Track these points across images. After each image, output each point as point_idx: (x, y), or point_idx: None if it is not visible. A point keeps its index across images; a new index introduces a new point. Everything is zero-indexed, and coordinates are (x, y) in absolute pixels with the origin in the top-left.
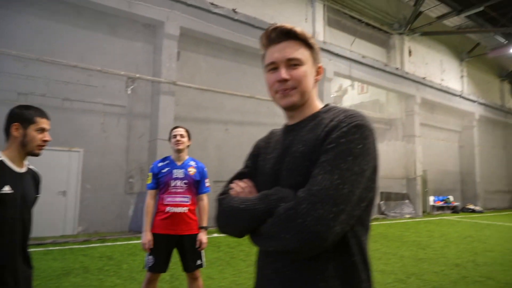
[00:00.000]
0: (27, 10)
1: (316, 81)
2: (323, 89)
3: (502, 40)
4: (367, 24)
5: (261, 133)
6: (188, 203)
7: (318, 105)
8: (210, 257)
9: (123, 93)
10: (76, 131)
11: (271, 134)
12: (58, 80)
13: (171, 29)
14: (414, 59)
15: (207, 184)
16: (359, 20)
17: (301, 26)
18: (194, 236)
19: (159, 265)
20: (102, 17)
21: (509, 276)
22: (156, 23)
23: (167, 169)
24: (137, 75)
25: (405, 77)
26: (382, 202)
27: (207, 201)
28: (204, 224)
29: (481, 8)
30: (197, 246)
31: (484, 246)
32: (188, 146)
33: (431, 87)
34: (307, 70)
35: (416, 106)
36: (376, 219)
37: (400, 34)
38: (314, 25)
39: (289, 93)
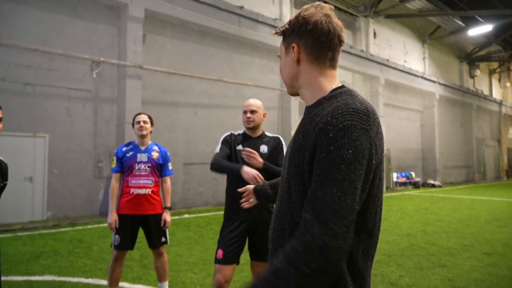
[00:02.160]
0: None
1: (298, 62)
2: None
3: (460, 23)
4: (334, 7)
5: (229, 115)
6: (151, 185)
7: (327, 87)
8: (179, 236)
9: (88, 77)
10: (40, 116)
11: None
12: (18, 64)
13: (135, 11)
14: (378, 41)
15: (170, 167)
16: (325, 2)
17: (268, 9)
18: (159, 216)
19: (125, 243)
20: None
21: (450, 242)
22: (120, 5)
23: (131, 153)
24: (102, 59)
25: (370, 59)
26: None
27: (170, 183)
28: (168, 204)
29: None
30: (162, 225)
31: (435, 217)
32: (151, 131)
33: (394, 68)
34: (281, 62)
35: (380, 87)
36: None
37: (366, 16)
38: (281, 7)
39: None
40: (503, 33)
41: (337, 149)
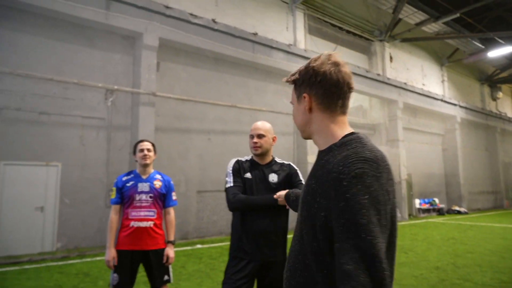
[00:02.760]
0: (0, 23)
1: (311, 111)
2: None
3: (479, 45)
4: (348, 32)
5: (243, 142)
6: (153, 217)
7: (338, 133)
8: (190, 269)
9: (102, 105)
10: (54, 145)
11: None
12: (34, 93)
13: (150, 40)
14: (395, 65)
15: (174, 197)
16: (340, 28)
17: (282, 35)
18: (161, 251)
19: (124, 283)
20: (79, 29)
21: (485, 277)
22: (135, 35)
23: (131, 182)
24: (116, 87)
25: (387, 82)
26: None
27: (173, 215)
28: (171, 238)
29: (457, 15)
30: (164, 261)
31: (465, 248)
32: (153, 159)
33: (413, 92)
34: (293, 110)
35: (398, 111)
36: None
37: (381, 40)
38: (295, 33)
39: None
40: None
41: (353, 196)
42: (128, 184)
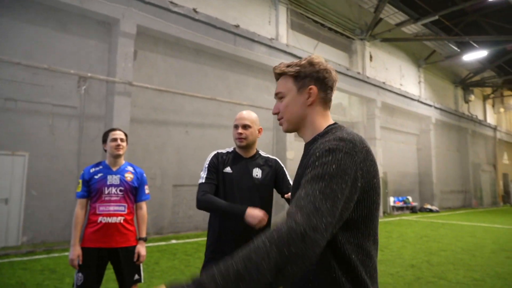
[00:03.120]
0: None
1: (311, 103)
2: None
3: (455, 48)
4: (330, 29)
5: (222, 136)
6: (123, 212)
7: (323, 124)
8: (164, 266)
9: (74, 93)
10: (21, 133)
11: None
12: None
13: (127, 27)
14: (375, 64)
15: (146, 191)
16: (322, 25)
17: (264, 28)
18: (131, 249)
19: (90, 283)
20: (51, 11)
21: (459, 275)
22: (111, 21)
23: (100, 175)
24: (89, 74)
25: (366, 81)
26: None
27: (146, 210)
28: (143, 234)
29: (436, 17)
30: (135, 259)
31: (438, 246)
32: (125, 151)
33: (391, 91)
34: (288, 101)
35: (377, 109)
36: None
37: (362, 39)
38: (278, 28)
39: (281, 123)
40: (497, 59)
41: (321, 165)
42: (96, 177)
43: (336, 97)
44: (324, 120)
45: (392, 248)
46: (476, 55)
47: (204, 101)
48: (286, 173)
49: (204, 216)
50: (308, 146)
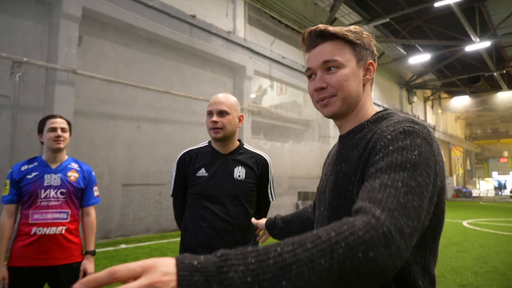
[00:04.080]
0: None
1: (366, 81)
2: (243, 88)
3: (402, 51)
4: (287, 26)
5: (177, 131)
6: (65, 221)
7: (370, 111)
8: None
9: (6, 80)
10: None
11: (335, 145)
12: None
13: (70, 8)
14: None
15: (95, 193)
16: (279, 21)
17: (221, 21)
18: (76, 266)
19: None
20: None
21: None
22: (52, 0)
23: (35, 174)
24: (25, 59)
25: None
26: (300, 201)
27: (94, 216)
28: (91, 247)
29: (387, 20)
30: (81, 278)
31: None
32: (67, 143)
33: None
34: (347, 73)
35: None
36: None
37: None
38: (235, 21)
39: (329, 102)
40: (437, 63)
41: (398, 150)
42: (29, 176)
43: (292, 94)
44: (371, 105)
45: None
46: (420, 58)
47: (158, 94)
48: (271, 182)
49: (156, 218)
50: (352, 136)
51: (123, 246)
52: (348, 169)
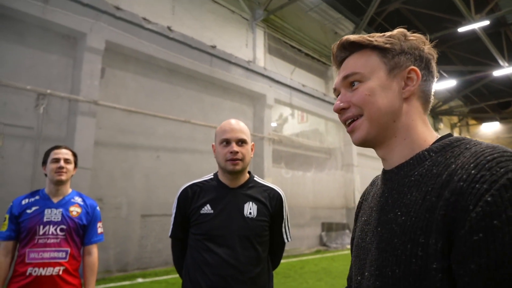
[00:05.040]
0: None
1: (409, 94)
2: (263, 116)
3: None
4: (306, 55)
5: (196, 161)
6: (64, 260)
7: (427, 136)
8: None
9: (30, 112)
10: None
11: (374, 181)
12: None
13: (94, 42)
14: None
15: (99, 230)
16: (299, 50)
17: (241, 51)
18: None
19: None
20: (8, 21)
21: None
22: (77, 35)
23: (35, 208)
24: (49, 91)
25: None
26: (323, 233)
27: (97, 255)
28: None
29: None
30: None
31: None
32: (72, 175)
33: None
34: (372, 86)
35: None
36: (319, 252)
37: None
38: (255, 51)
39: (355, 126)
40: (463, 89)
41: (510, 225)
42: (29, 211)
43: (313, 122)
44: (427, 127)
45: None
46: (445, 84)
47: (177, 123)
48: (286, 220)
49: None
50: (406, 172)
51: (140, 280)
52: (410, 222)
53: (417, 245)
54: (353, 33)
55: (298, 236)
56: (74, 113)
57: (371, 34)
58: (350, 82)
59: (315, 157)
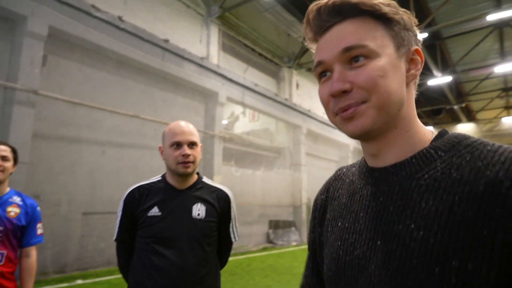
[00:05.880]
0: None
1: (412, 79)
2: (215, 114)
3: None
4: (260, 54)
5: (144, 157)
6: None
7: (424, 130)
8: None
9: None
10: None
11: (340, 176)
12: None
13: (36, 26)
14: (300, 92)
15: (38, 231)
16: (253, 50)
17: (194, 47)
18: None
19: None
20: None
21: None
22: (16, 17)
23: None
24: None
25: (293, 108)
26: (270, 230)
27: (35, 258)
28: None
29: None
30: None
31: None
32: (11, 173)
33: (315, 119)
34: (383, 65)
35: (302, 136)
36: (265, 249)
37: (289, 67)
38: (209, 47)
39: (357, 112)
40: None
41: None
42: None
43: (264, 122)
44: (418, 120)
45: None
46: None
47: (125, 118)
48: (234, 220)
49: None
50: (411, 173)
51: (79, 281)
52: (434, 240)
53: (449, 270)
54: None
55: (246, 233)
56: (10, 102)
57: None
58: (353, 56)
59: (265, 156)
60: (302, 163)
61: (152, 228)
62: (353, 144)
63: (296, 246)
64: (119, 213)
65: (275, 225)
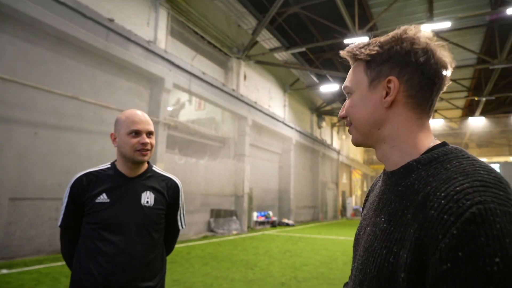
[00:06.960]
0: None
1: (391, 105)
2: (160, 100)
3: (315, 79)
4: (209, 43)
5: (83, 140)
6: None
7: (419, 142)
8: None
9: None
10: None
11: (381, 173)
12: None
13: None
14: (248, 84)
15: None
16: (202, 37)
17: (141, 29)
18: None
19: None
20: None
21: None
22: None
23: None
24: None
25: (239, 99)
26: (212, 219)
27: None
28: None
29: (303, 49)
30: None
31: (300, 260)
32: None
33: (260, 111)
34: (355, 99)
35: (247, 127)
36: (206, 237)
37: (238, 58)
38: (156, 31)
39: (349, 131)
40: (344, 94)
41: (471, 259)
42: None
43: (210, 111)
44: (425, 135)
45: (261, 265)
46: (330, 87)
47: (63, 99)
48: (182, 208)
49: (50, 237)
50: (396, 180)
51: (4, 271)
52: (389, 231)
53: (390, 253)
54: (255, 29)
55: (187, 222)
56: None
57: (373, 40)
58: (346, 92)
59: (209, 145)
60: (246, 153)
61: (99, 214)
62: (295, 137)
63: (237, 235)
64: (65, 199)
65: (217, 214)
